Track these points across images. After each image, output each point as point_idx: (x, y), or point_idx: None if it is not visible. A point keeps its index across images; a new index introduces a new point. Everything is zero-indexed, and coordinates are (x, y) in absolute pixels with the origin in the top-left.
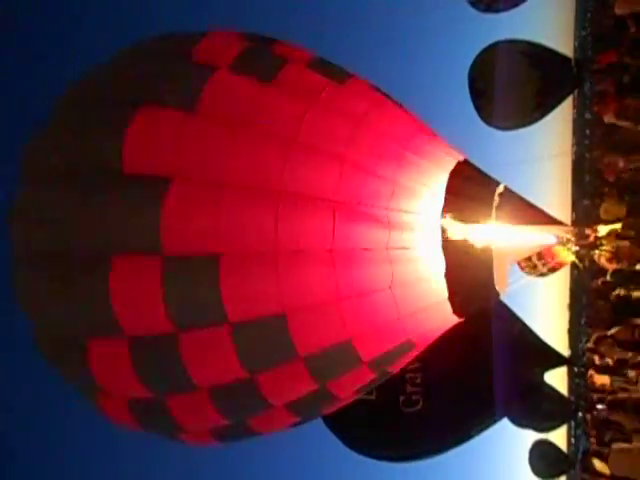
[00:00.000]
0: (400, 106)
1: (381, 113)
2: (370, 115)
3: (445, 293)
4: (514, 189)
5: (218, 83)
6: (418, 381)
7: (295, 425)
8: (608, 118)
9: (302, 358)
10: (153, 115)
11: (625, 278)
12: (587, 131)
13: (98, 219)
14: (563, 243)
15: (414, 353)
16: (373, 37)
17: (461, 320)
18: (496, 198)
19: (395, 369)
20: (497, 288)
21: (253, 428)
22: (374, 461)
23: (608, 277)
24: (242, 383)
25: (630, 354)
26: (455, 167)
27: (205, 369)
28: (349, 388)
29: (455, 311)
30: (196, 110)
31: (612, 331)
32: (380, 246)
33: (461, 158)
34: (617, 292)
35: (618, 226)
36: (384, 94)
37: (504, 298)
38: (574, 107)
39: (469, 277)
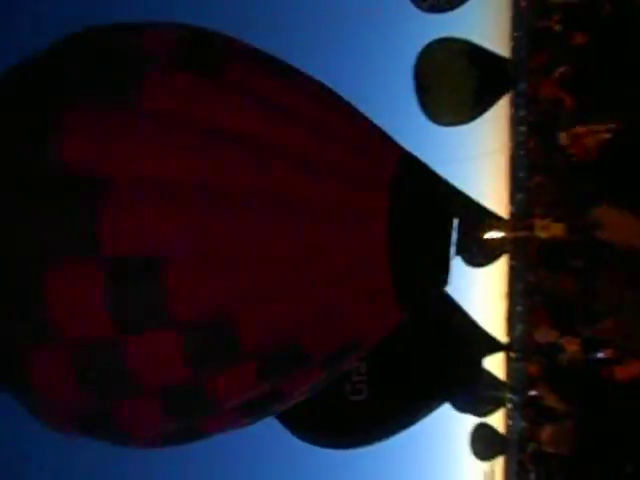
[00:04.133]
0: (345, 102)
1: (326, 109)
2: (314, 111)
3: (391, 288)
4: (456, 185)
5: (157, 79)
6: (363, 370)
7: (246, 425)
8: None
9: (251, 358)
10: (87, 112)
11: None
12: (523, 128)
13: (32, 223)
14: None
15: (363, 350)
16: (319, 35)
17: (407, 315)
18: (438, 192)
19: (345, 366)
20: (440, 280)
21: (203, 430)
22: (318, 448)
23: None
24: (191, 386)
25: (562, 339)
26: (398, 161)
27: (152, 373)
28: (299, 387)
29: (401, 306)
30: (134, 107)
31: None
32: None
33: (403, 151)
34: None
35: (550, 220)
36: (328, 89)
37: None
38: (510, 105)
39: (413, 271)
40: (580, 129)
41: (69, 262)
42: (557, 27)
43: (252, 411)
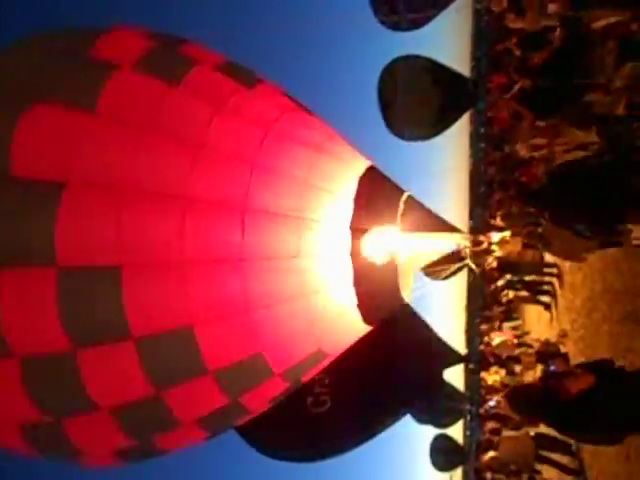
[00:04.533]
0: (310, 113)
1: (291, 119)
2: (280, 121)
3: (355, 301)
4: (417, 198)
5: (120, 83)
6: (326, 382)
7: (205, 440)
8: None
9: (211, 372)
10: (46, 114)
11: (513, 282)
12: (482, 145)
13: None
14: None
15: (326, 362)
16: (285, 48)
17: (370, 328)
18: (401, 205)
19: (307, 377)
20: (403, 294)
21: (161, 446)
22: (276, 462)
23: (499, 283)
24: (148, 401)
25: (517, 351)
26: (363, 173)
27: (107, 388)
28: (261, 400)
29: (365, 319)
30: (94, 110)
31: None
32: (290, 254)
33: (368, 164)
34: (507, 295)
35: (507, 234)
36: (294, 100)
37: (409, 300)
38: (470, 123)
39: (377, 285)
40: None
41: (22, 270)
42: (515, 49)
43: (212, 425)
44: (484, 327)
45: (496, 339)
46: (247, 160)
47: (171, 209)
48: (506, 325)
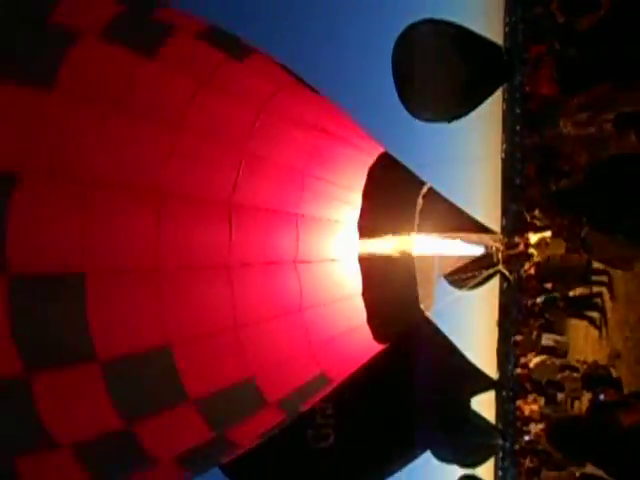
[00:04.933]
0: (312, 89)
1: (288, 96)
2: (275, 98)
3: (364, 315)
4: (439, 191)
5: (83, 54)
6: (329, 412)
7: None
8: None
9: (193, 401)
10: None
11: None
12: (517, 127)
13: None
14: (491, 252)
15: (329, 388)
16: (282, 10)
17: (383, 347)
18: (420, 200)
19: (307, 406)
20: (422, 307)
21: None
22: None
23: (538, 299)
24: (117, 435)
25: (560, 375)
26: (375, 162)
27: (67, 420)
28: (252, 433)
29: (376, 336)
30: (52, 87)
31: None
32: (287, 259)
33: (381, 151)
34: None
35: (548, 234)
36: (292, 74)
37: (429, 314)
38: (504, 101)
39: (391, 296)
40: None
41: None
42: (558, 13)
43: (194, 463)
44: (519, 346)
45: (534, 360)
46: (235, 146)
47: (143, 206)
48: (546, 337)
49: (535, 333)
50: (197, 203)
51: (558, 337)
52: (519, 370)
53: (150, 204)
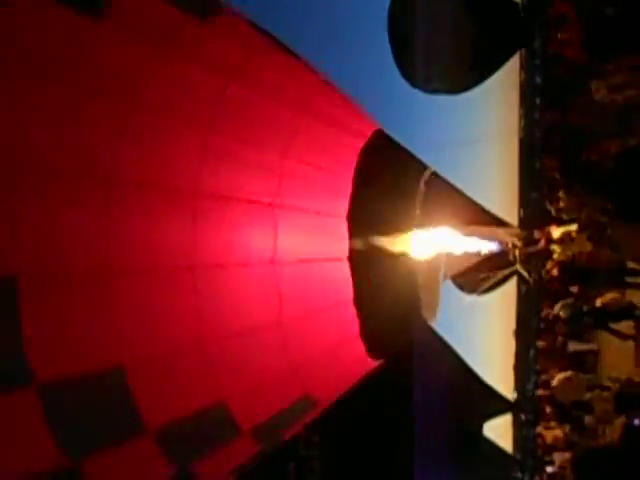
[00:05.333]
0: (293, 55)
1: (263, 64)
2: (247, 66)
3: (355, 327)
4: (445, 177)
5: (20, 13)
6: (315, 440)
7: None
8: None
9: (152, 431)
10: None
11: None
12: (538, 100)
13: None
14: (507, 250)
15: (316, 411)
16: None
17: (378, 364)
18: (421, 188)
19: (289, 434)
20: (425, 316)
21: None
22: None
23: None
24: (60, 474)
25: (588, 394)
26: (368, 142)
27: (3, 455)
28: (222, 468)
29: (370, 351)
30: None
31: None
32: (263, 259)
33: (375, 128)
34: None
35: (574, 227)
36: (269, 36)
37: (433, 324)
38: (522, 68)
39: (387, 303)
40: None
41: None
42: None
43: None
44: (540, 361)
45: (557, 377)
46: (199, 124)
47: (89, 196)
48: (572, 346)
49: (560, 341)
50: (152, 193)
51: (586, 345)
52: (540, 391)
53: (95, 194)
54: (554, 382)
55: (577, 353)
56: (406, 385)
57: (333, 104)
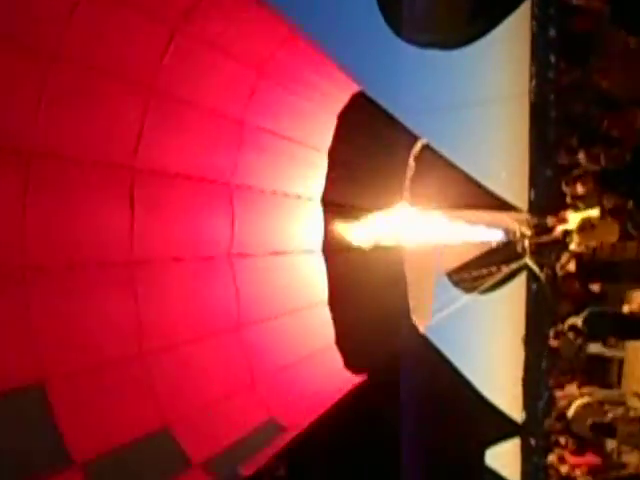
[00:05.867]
0: (258, 2)
1: (216, 12)
2: (195, 13)
3: (330, 334)
4: (440, 150)
5: None
6: (281, 473)
7: None
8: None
9: (80, 465)
10: None
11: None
12: (552, 58)
13: None
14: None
15: (284, 438)
16: None
17: (359, 380)
18: (411, 163)
19: (252, 467)
20: (415, 319)
21: None
22: None
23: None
24: None
25: (610, 414)
26: (347, 106)
27: None
28: None
29: (349, 364)
30: None
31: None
32: (217, 252)
33: (355, 90)
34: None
35: (595, 212)
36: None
37: (425, 330)
38: (532, 19)
39: (369, 305)
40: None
41: None
42: None
43: None
44: (553, 374)
45: (575, 403)
46: (138, 83)
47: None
48: (594, 348)
49: (575, 346)
50: (73, 169)
51: (609, 350)
52: (554, 423)
53: (16, 169)
54: (570, 412)
55: (598, 359)
56: (392, 406)
57: (305, 59)
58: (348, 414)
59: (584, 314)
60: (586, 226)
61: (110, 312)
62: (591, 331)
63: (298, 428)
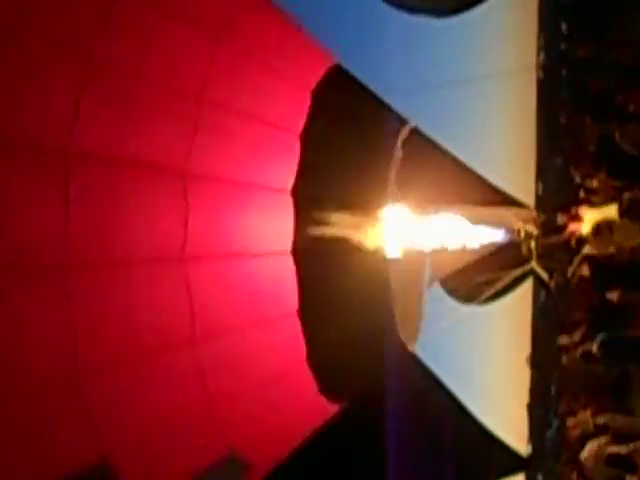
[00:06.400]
0: None
1: None
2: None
3: (301, 350)
4: (433, 134)
5: None
6: None
7: None
8: None
9: None
10: None
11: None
12: (564, 26)
13: None
14: (519, 239)
15: (252, 477)
16: None
17: (336, 407)
18: (398, 151)
19: None
20: (403, 335)
21: None
22: None
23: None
24: None
25: (629, 446)
26: (321, 82)
27: None
28: None
29: (324, 389)
30: None
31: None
32: (168, 254)
33: (331, 63)
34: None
35: (613, 211)
36: None
37: (414, 347)
38: None
39: (346, 317)
40: None
41: None
42: None
43: None
44: (564, 398)
45: (588, 446)
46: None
47: None
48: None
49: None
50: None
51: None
52: (566, 469)
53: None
54: (584, 454)
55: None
56: (376, 438)
57: (268, 25)
58: (328, 446)
59: (599, 339)
60: (602, 231)
61: (40, 319)
62: (607, 359)
63: (268, 463)
